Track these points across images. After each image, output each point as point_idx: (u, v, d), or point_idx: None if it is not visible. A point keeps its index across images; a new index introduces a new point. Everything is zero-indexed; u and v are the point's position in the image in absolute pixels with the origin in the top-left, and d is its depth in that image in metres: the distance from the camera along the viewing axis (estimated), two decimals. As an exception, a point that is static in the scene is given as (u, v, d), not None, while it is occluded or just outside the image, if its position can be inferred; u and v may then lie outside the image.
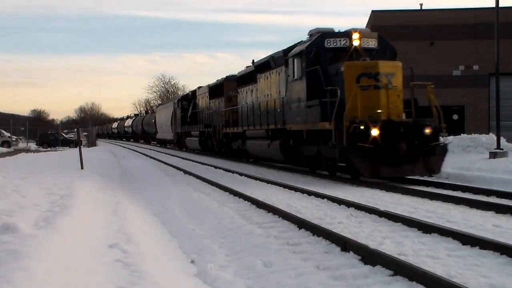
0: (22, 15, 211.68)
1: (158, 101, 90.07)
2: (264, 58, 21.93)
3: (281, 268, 6.09)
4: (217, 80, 31.57)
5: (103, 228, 8.02)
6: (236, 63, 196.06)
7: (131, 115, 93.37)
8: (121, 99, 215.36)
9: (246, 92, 24.34)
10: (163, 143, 54.25)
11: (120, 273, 5.60)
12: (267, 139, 20.58)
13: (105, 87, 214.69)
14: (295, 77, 17.18)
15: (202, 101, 34.73)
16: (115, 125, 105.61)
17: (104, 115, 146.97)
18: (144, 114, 78.55)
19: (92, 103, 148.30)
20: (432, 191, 12.08)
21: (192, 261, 6.85)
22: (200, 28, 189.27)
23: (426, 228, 7.73)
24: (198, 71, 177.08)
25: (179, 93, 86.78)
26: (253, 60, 24.21)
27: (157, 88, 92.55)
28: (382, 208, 9.47)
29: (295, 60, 17.13)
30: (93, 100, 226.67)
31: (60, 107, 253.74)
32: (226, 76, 29.38)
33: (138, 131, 74.63)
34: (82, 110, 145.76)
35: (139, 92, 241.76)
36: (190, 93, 40.74)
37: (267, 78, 21.03)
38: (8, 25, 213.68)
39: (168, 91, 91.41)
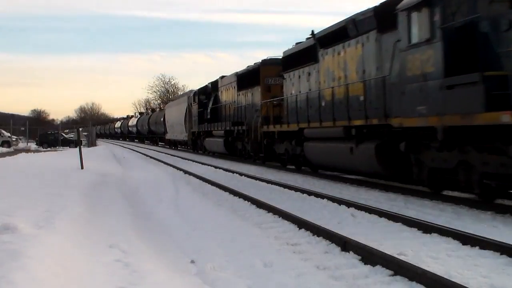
0: (22, 15, 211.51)
1: (158, 101, 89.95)
2: (335, 25, 15.50)
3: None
4: (248, 67, 25.77)
5: None
6: (236, 63, 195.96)
7: (136, 114, 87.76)
8: (121, 99, 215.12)
9: (299, 76, 18.06)
10: (173, 144, 48.80)
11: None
12: (347, 141, 14.19)
13: (105, 87, 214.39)
14: (416, 40, 10.78)
15: (227, 93, 28.70)
16: (118, 124, 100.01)
17: (104, 115, 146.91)
18: (150, 113, 71.34)
19: (92, 103, 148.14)
20: None
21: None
22: (200, 28, 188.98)
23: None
24: (198, 71, 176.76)
25: (179, 92, 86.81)
26: (312, 31, 17.28)
27: (157, 88, 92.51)
28: None
29: (414, 15, 10.79)
30: (93, 100, 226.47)
31: (60, 107, 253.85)
32: (263, 60, 23.30)
33: (143, 131, 68.40)
34: (82, 110, 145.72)
35: (139, 92, 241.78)
36: (210, 85, 33.62)
37: (340, 53, 15.01)
38: (8, 25, 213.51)
39: (168, 91, 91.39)
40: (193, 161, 26.64)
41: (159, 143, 58.87)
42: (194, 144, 37.24)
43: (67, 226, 7.25)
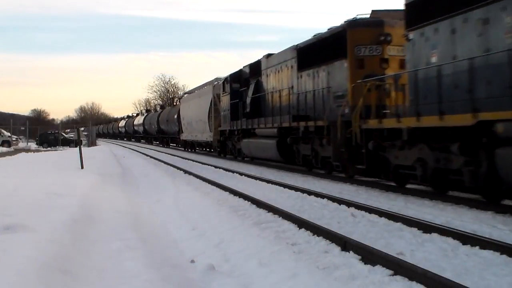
0: (22, 15, 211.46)
1: (158, 100, 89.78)
2: None
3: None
4: (316, 35, 17.27)
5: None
6: (236, 63, 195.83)
7: (143, 111, 79.78)
8: (121, 99, 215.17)
9: (455, 31, 10.35)
10: (190, 146, 40.57)
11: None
12: None
13: (105, 87, 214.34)
14: None
15: (278, 76, 20.26)
16: (122, 123, 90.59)
17: (104, 114, 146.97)
18: (160, 109, 63.07)
19: (92, 103, 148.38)
20: None
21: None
22: (200, 28, 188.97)
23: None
24: (198, 71, 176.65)
25: (179, 92, 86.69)
26: None
27: (157, 87, 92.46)
28: None
29: None
30: (93, 100, 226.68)
31: (60, 107, 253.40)
32: (351, 21, 15.30)
33: (152, 130, 60.01)
34: (82, 109, 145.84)
35: (139, 92, 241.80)
36: (248, 69, 24.50)
37: None
38: (8, 25, 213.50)
39: (168, 90, 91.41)
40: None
41: (171, 144, 51.59)
42: (223, 146, 29.10)
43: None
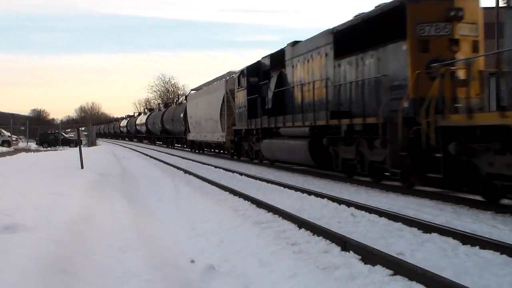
0: (22, 15, 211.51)
1: (158, 100, 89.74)
2: None
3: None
4: (360, 14, 14.39)
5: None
6: (236, 63, 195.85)
7: (146, 111, 76.02)
8: (121, 99, 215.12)
9: None
10: (198, 147, 37.08)
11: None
12: None
13: (105, 87, 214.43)
14: None
15: (308, 67, 17.13)
16: (123, 123, 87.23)
17: (104, 114, 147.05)
18: (163, 108, 60.43)
19: (92, 103, 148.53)
20: None
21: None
22: (200, 28, 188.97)
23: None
24: (198, 71, 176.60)
25: (179, 92, 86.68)
26: None
27: (157, 87, 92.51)
28: None
29: None
30: (93, 99, 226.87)
31: (60, 106, 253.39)
32: None
33: (155, 130, 56.80)
34: (82, 109, 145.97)
35: (139, 92, 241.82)
36: (268, 60, 21.07)
37: None
38: (8, 25, 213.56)
39: (168, 90, 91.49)
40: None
41: (176, 145, 48.51)
42: (238, 147, 25.92)
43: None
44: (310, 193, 12.17)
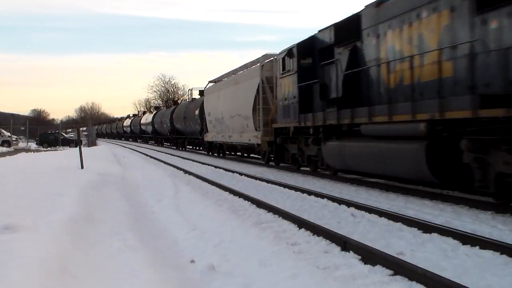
0: (22, 15, 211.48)
1: (158, 100, 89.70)
2: None
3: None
4: None
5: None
6: (236, 63, 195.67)
7: (152, 109, 69.87)
8: (121, 99, 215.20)
9: None
10: (219, 149, 31.24)
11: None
12: None
13: (105, 87, 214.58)
14: None
15: (411, 33, 11.69)
16: (127, 122, 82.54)
17: (104, 114, 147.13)
18: (172, 105, 53.95)
19: (92, 103, 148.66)
20: None
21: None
22: (200, 27, 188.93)
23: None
24: (198, 71, 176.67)
25: (179, 92, 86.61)
26: None
27: (157, 87, 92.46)
28: None
29: None
30: (93, 99, 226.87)
31: (60, 107, 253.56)
32: None
33: (163, 130, 51.23)
34: (82, 109, 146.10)
35: (139, 92, 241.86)
36: (331, 31, 15.54)
37: None
38: (8, 25, 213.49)
39: (168, 90, 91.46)
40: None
41: (187, 146, 43.33)
42: (279, 151, 19.88)
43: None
44: (310, 193, 12.18)
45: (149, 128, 59.08)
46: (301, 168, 18.54)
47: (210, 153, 32.90)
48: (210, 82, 33.76)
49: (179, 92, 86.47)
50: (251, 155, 27.88)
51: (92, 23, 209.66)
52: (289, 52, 17.86)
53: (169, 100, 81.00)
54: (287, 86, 18.19)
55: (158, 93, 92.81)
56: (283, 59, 18.44)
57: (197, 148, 40.31)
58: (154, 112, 60.15)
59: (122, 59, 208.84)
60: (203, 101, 33.98)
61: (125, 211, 10.57)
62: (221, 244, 7.55)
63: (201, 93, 37.61)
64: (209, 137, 32.12)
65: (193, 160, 26.74)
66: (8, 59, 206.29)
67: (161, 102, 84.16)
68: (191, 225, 9.06)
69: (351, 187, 13.64)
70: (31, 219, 7.22)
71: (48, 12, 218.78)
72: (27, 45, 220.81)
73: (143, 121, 64.86)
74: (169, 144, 51.43)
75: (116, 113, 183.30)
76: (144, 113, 72.72)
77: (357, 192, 12.68)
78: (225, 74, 30.85)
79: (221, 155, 31.09)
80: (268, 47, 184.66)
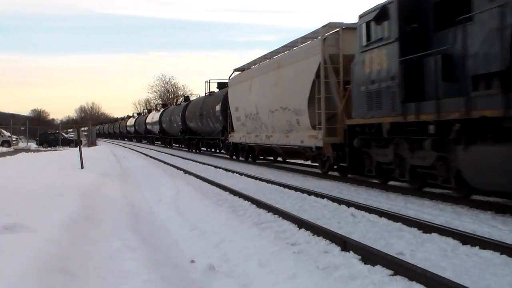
0: (22, 15, 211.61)
1: (158, 100, 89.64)
2: None
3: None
4: None
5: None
6: (236, 63, 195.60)
7: (159, 107, 65.06)
8: (121, 99, 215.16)
9: None
10: (247, 153, 25.25)
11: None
12: None
13: (105, 87, 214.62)
14: None
15: None
16: (130, 122, 76.62)
17: (104, 114, 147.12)
18: (183, 102, 45.53)
19: (92, 103, 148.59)
20: None
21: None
22: (199, 27, 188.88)
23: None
24: (198, 71, 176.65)
25: (179, 92, 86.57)
26: None
27: (157, 87, 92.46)
28: None
29: None
30: (93, 99, 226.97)
31: (60, 107, 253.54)
32: None
33: (173, 130, 45.31)
34: (82, 109, 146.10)
35: (139, 92, 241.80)
36: None
37: None
38: (8, 25, 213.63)
39: (168, 90, 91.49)
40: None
41: (202, 148, 37.51)
42: (356, 158, 14.10)
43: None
44: (310, 193, 12.18)
45: (156, 128, 53.17)
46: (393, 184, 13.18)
47: (234, 157, 27.16)
48: (236, 70, 27.49)
49: (179, 92, 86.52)
50: (291, 160, 22.21)
51: (92, 23, 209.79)
52: (380, 13, 12.10)
53: (169, 100, 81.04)
54: (377, 63, 12.46)
55: (158, 93, 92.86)
56: (368, 24, 12.79)
57: (214, 150, 35.11)
58: (161, 110, 53.64)
59: (122, 59, 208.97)
60: (226, 94, 27.83)
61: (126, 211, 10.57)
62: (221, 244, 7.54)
63: (221, 86, 32.56)
64: (235, 137, 25.95)
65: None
66: (8, 59, 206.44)
67: (161, 102, 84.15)
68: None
69: (351, 187, 13.64)
70: (31, 219, 7.22)
71: (48, 12, 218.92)
72: (27, 45, 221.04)
73: (148, 120, 58.91)
74: (178, 145, 46.28)
75: (116, 113, 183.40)
76: (150, 111, 67.15)
77: (357, 192, 12.68)
78: (258, 58, 24.07)
79: (249, 159, 25.12)
80: (268, 47, 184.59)
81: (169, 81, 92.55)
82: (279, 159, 24.15)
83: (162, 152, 38.25)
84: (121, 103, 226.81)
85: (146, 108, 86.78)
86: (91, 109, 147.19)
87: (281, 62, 20.02)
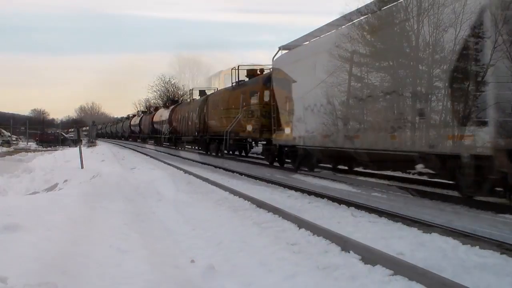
0: (22, 15, 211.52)
1: (158, 100, 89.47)
2: None
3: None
4: None
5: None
6: (236, 63, 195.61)
7: (167, 103, 56.85)
8: (121, 99, 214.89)
9: None
10: (299, 160, 17.68)
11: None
12: None
13: (105, 87, 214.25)
14: None
15: None
16: (135, 121, 68.84)
17: (104, 114, 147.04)
18: (200, 97, 37.16)
19: (92, 103, 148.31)
20: None
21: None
22: (200, 27, 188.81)
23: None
24: (196, 71, 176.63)
25: (179, 92, 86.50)
26: None
27: (157, 87, 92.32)
28: None
29: None
30: (93, 99, 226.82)
31: (60, 106, 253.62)
32: None
33: (186, 130, 37.70)
34: (82, 109, 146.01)
35: (139, 92, 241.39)
36: None
37: None
38: (8, 25, 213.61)
39: (168, 90, 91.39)
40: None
41: (225, 152, 27.24)
42: None
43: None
44: (310, 193, 12.17)
45: (165, 127, 45.60)
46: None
47: (275, 163, 20.57)
48: (282, 48, 19.17)
49: (179, 92, 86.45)
50: (378, 171, 15.81)
51: (92, 23, 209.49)
52: None
53: (169, 100, 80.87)
54: None
55: (158, 93, 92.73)
56: None
57: (239, 153, 28.37)
58: (171, 107, 46.44)
59: (123, 59, 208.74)
60: (267, 80, 20.73)
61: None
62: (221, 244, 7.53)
63: (251, 73, 25.32)
64: (284, 138, 18.18)
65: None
66: (8, 59, 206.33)
67: (161, 102, 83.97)
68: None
69: (351, 187, 13.63)
70: (31, 219, 7.23)
71: (48, 12, 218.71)
72: (27, 45, 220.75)
73: (156, 118, 51.00)
74: (191, 147, 38.95)
75: (116, 113, 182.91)
76: (157, 109, 58.96)
77: (357, 192, 12.67)
78: (315, 31, 16.39)
79: (300, 168, 17.83)
80: (268, 47, 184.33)
81: (169, 81, 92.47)
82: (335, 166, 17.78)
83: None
84: (121, 103, 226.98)
85: (146, 108, 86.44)
86: (91, 109, 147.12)
87: (386, 19, 12.38)
